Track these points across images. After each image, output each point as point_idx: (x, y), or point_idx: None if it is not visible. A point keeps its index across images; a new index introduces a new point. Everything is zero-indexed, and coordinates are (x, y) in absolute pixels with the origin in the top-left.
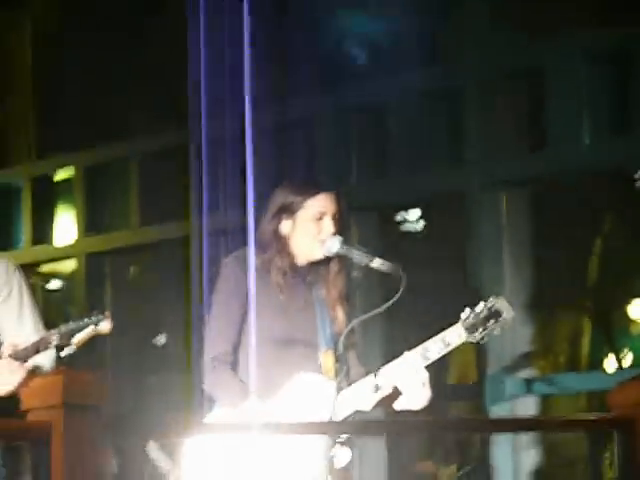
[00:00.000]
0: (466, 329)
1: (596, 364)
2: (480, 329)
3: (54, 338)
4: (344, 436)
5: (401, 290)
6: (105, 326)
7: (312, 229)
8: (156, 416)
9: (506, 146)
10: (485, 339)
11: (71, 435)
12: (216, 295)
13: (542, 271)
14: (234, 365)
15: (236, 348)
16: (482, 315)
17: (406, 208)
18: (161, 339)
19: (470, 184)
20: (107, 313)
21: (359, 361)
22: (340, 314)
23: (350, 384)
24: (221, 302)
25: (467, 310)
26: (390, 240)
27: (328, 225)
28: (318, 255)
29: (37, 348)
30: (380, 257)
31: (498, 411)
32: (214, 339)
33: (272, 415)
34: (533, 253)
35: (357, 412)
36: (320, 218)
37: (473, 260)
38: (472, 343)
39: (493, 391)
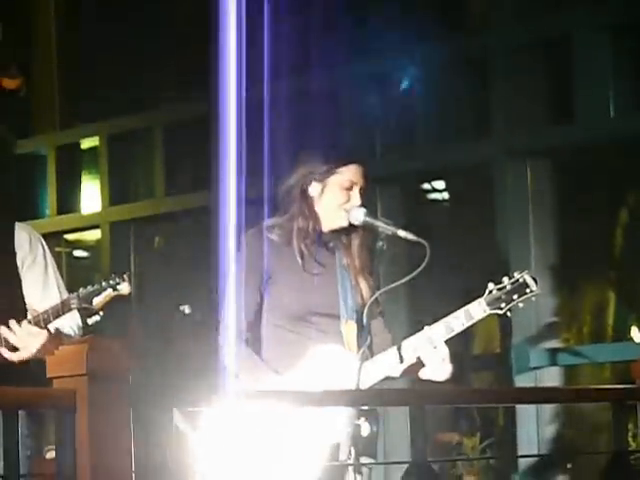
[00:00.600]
0: (489, 304)
1: (621, 335)
2: (504, 303)
3: (73, 302)
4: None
5: (426, 260)
6: (124, 288)
7: (341, 196)
8: (182, 385)
9: (532, 116)
10: (509, 313)
11: (96, 404)
12: (235, 268)
13: (567, 242)
14: (253, 342)
15: (252, 325)
16: (507, 289)
17: (431, 180)
18: (186, 308)
19: (496, 154)
20: (125, 275)
21: (386, 328)
22: (363, 285)
23: (373, 356)
24: (240, 274)
25: (491, 285)
26: (414, 213)
27: (356, 195)
28: (343, 223)
29: (57, 312)
30: (404, 229)
31: (522, 381)
32: (232, 311)
33: (292, 388)
34: (558, 224)
35: (385, 380)
36: (350, 188)
37: (498, 231)
38: (497, 315)
39: (518, 361)
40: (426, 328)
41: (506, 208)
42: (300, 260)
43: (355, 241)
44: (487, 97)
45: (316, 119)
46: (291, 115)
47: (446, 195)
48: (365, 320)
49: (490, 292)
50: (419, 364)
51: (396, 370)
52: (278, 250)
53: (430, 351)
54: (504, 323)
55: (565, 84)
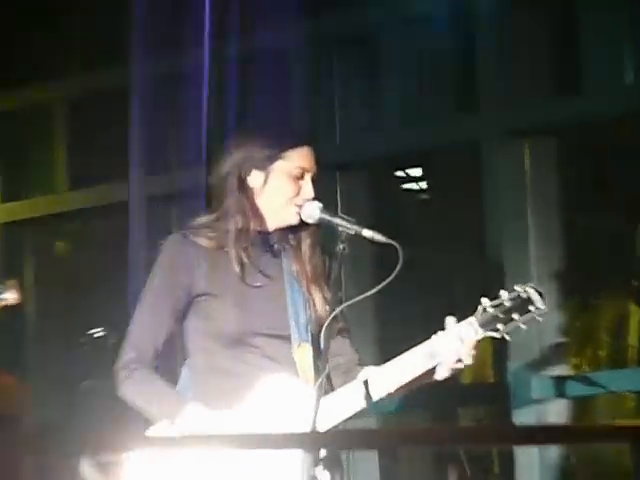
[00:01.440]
0: (483, 324)
1: None
2: (501, 324)
3: None
4: (326, 452)
5: (398, 267)
6: (11, 296)
7: (289, 188)
8: (90, 428)
9: (529, 88)
10: (508, 336)
11: None
12: (147, 283)
13: (575, 241)
14: (167, 372)
15: (164, 349)
16: (505, 307)
17: (404, 166)
18: (97, 331)
19: (485, 134)
20: (12, 282)
21: (352, 348)
22: (318, 296)
23: (334, 386)
24: (150, 292)
25: (485, 301)
26: (384, 207)
27: (308, 186)
28: (293, 220)
29: None
30: (371, 228)
31: (522, 417)
32: (133, 339)
33: (231, 427)
34: (564, 219)
35: (346, 421)
36: (300, 176)
37: (489, 229)
38: (492, 338)
39: (516, 392)
40: (405, 355)
41: (499, 200)
42: (238, 269)
43: (308, 243)
44: (474, 64)
45: (259, 92)
46: (230, 89)
47: (423, 184)
48: (323, 342)
49: (484, 310)
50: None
51: (360, 405)
52: (209, 257)
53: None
54: (499, 346)
55: (568, 50)
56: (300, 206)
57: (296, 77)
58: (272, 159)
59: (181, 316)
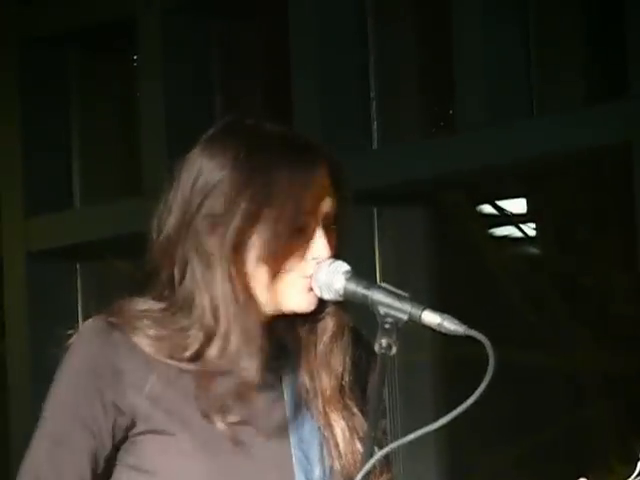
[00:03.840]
0: None
1: None
2: None
3: None
4: None
5: (488, 376)
6: None
7: (289, 249)
8: None
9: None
10: None
11: None
12: (49, 397)
13: None
14: None
15: None
16: None
17: (494, 194)
18: None
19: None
20: None
21: None
22: (343, 430)
23: None
24: (53, 421)
25: None
26: (458, 265)
27: (320, 241)
28: (300, 304)
29: None
30: (440, 308)
31: None
32: None
33: None
34: None
35: None
36: (306, 227)
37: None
38: None
39: None
40: None
41: None
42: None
43: (326, 338)
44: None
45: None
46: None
47: (531, 226)
48: None
49: None
50: None
51: None
52: (156, 371)
53: None
54: None
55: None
56: (312, 275)
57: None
58: (259, 203)
59: (102, 466)
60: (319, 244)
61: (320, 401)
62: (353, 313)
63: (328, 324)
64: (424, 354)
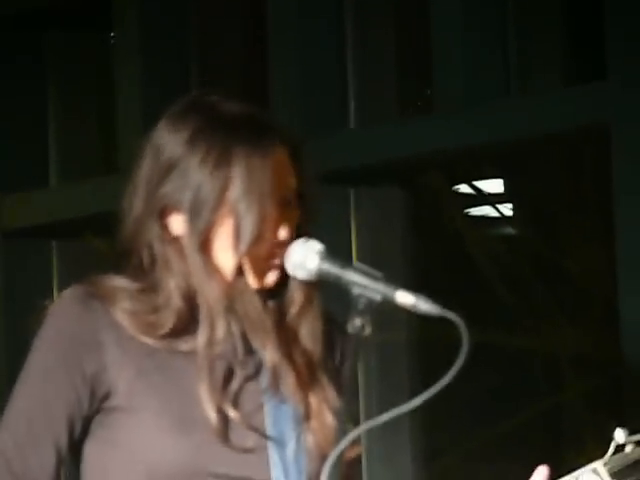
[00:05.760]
0: (614, 475)
1: None
2: None
3: None
4: None
5: (462, 356)
6: None
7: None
8: None
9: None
10: None
11: None
12: (28, 361)
13: None
14: None
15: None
16: None
17: (470, 174)
18: None
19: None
20: None
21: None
22: (318, 408)
23: None
24: (33, 376)
25: (619, 434)
26: (432, 242)
27: (282, 219)
28: (269, 279)
29: None
30: (413, 287)
31: None
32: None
33: None
34: None
35: None
36: (286, 202)
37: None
38: None
39: None
40: None
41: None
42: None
43: (296, 313)
44: None
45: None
46: None
47: (507, 207)
48: None
49: (620, 449)
50: None
51: None
52: (131, 344)
53: None
54: None
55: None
56: (277, 255)
57: None
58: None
59: (78, 435)
60: (279, 225)
61: (291, 375)
62: (325, 292)
63: (296, 298)
64: (399, 335)
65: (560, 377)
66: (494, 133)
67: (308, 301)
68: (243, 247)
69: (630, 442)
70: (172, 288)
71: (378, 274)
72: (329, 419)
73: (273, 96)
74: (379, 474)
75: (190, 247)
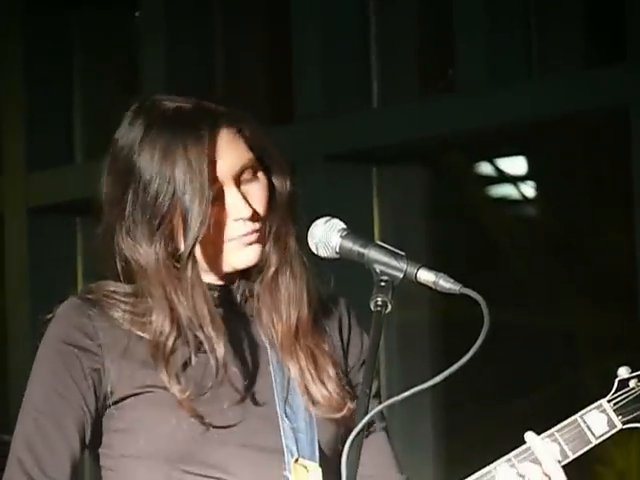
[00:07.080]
0: (621, 410)
1: None
2: None
3: None
4: None
5: (483, 333)
6: None
7: (215, 212)
8: None
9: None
10: None
11: None
12: (32, 374)
13: None
14: None
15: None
16: None
17: (492, 152)
18: None
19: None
20: None
21: (394, 466)
22: (304, 371)
23: None
24: (38, 387)
25: (623, 370)
26: (450, 223)
27: (238, 198)
28: (242, 262)
29: None
30: (436, 266)
31: None
32: (15, 465)
33: None
34: None
35: None
36: (249, 178)
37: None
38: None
39: None
40: (500, 463)
41: None
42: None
43: (267, 278)
44: None
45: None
46: None
47: (528, 185)
48: (345, 468)
49: (624, 384)
50: None
51: None
52: (130, 338)
53: None
54: None
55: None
56: (251, 230)
57: None
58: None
59: (90, 433)
60: (237, 204)
61: (277, 342)
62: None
63: (270, 262)
64: (421, 312)
65: (579, 356)
66: (515, 114)
67: (282, 262)
68: (192, 236)
69: (633, 377)
70: (156, 294)
71: (400, 252)
72: (324, 385)
73: (297, 78)
74: (399, 451)
75: (152, 246)
